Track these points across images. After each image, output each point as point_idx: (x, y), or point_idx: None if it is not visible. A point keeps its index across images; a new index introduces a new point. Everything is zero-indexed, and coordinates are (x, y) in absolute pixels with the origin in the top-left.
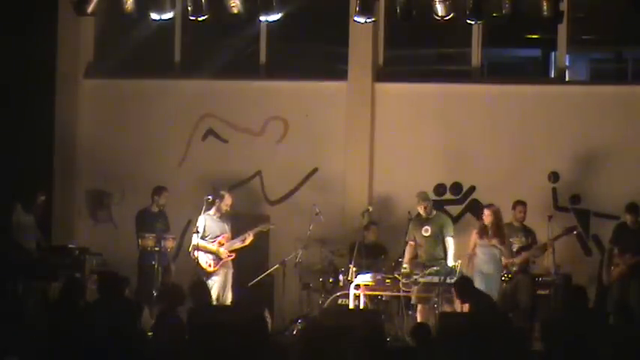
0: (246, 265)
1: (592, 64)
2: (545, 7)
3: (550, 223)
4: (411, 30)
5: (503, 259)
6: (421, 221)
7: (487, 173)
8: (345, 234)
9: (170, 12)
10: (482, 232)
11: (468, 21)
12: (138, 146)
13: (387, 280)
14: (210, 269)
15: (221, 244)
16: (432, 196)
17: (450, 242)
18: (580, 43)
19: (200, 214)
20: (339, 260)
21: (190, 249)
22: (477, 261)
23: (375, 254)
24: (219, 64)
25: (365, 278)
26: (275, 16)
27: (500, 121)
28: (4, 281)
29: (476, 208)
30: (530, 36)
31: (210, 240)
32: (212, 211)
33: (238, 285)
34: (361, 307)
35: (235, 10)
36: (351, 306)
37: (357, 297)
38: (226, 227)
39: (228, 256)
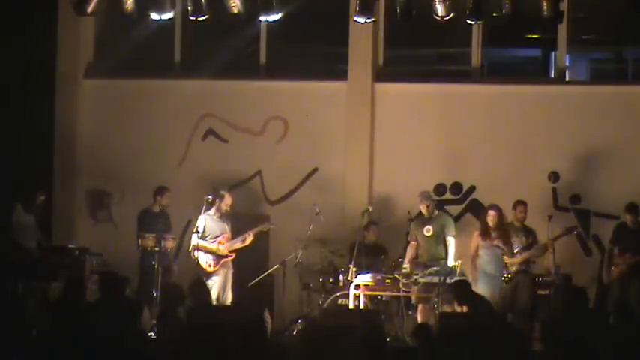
0: (246, 265)
1: (592, 64)
2: (545, 7)
3: (550, 223)
4: (411, 30)
5: (505, 258)
6: (423, 221)
7: (487, 173)
8: (345, 234)
9: (170, 12)
10: (485, 233)
11: (468, 21)
12: (138, 146)
13: (387, 280)
14: (210, 269)
15: (221, 244)
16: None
17: (451, 242)
18: (580, 43)
19: (200, 214)
20: (339, 260)
21: (190, 249)
22: (481, 261)
23: (375, 254)
24: (219, 64)
25: (365, 278)
26: (275, 16)
27: (500, 121)
28: (4, 281)
29: (476, 208)
30: (530, 36)
31: (210, 240)
32: (212, 211)
33: (238, 285)
34: (361, 307)
35: (235, 10)
36: (351, 306)
37: (357, 297)
38: (226, 227)
39: (228, 255)
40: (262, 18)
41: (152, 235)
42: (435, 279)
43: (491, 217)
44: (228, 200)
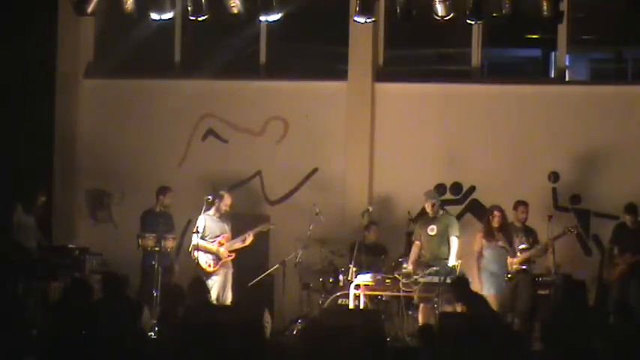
0: (246, 265)
1: (592, 64)
2: (545, 7)
3: (550, 223)
4: (411, 30)
5: (508, 258)
6: (427, 220)
7: (487, 173)
8: (345, 234)
9: (170, 12)
10: (489, 233)
11: (468, 21)
12: (138, 146)
13: (387, 280)
14: (210, 269)
15: (221, 244)
16: None
17: (454, 242)
18: (580, 43)
19: (200, 214)
20: (339, 260)
21: (190, 249)
22: (485, 262)
23: (375, 254)
24: (219, 64)
25: (365, 278)
26: (275, 16)
27: (500, 121)
28: (4, 281)
29: (476, 208)
30: (530, 36)
31: (210, 240)
32: (212, 211)
33: (238, 285)
34: (361, 307)
35: (235, 10)
36: (351, 306)
37: (357, 297)
38: (226, 227)
39: (228, 256)
40: (262, 18)
41: (152, 236)
42: (435, 279)
43: (495, 218)
44: (227, 200)
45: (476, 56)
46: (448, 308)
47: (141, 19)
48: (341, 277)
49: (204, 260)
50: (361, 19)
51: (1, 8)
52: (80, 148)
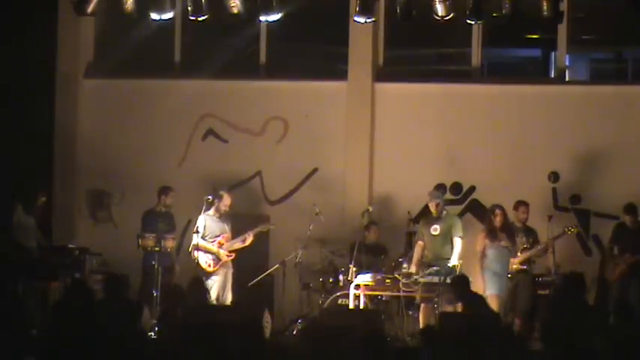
0: (246, 265)
1: (592, 64)
2: (545, 7)
3: (550, 223)
4: (411, 30)
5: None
6: (431, 220)
7: (487, 173)
8: (345, 234)
9: (170, 12)
10: (492, 233)
11: (468, 21)
12: (138, 146)
13: (387, 280)
14: (210, 269)
15: (221, 245)
16: None
17: (458, 242)
18: (580, 43)
19: (200, 214)
20: (339, 260)
21: (190, 249)
22: (487, 261)
23: (375, 254)
24: (219, 64)
25: (365, 278)
26: (275, 16)
27: (500, 121)
28: (5, 281)
29: (476, 208)
30: (530, 36)
31: (210, 240)
32: (212, 211)
33: (238, 285)
34: (361, 307)
35: (235, 10)
36: (351, 306)
37: (357, 297)
38: (226, 227)
39: (228, 256)
40: (262, 18)
41: (152, 235)
42: (435, 279)
43: (497, 217)
44: (227, 201)
45: (476, 56)
46: (449, 308)
47: (141, 19)
48: (341, 277)
49: (204, 260)
50: (361, 19)
51: (1, 8)
52: (80, 148)
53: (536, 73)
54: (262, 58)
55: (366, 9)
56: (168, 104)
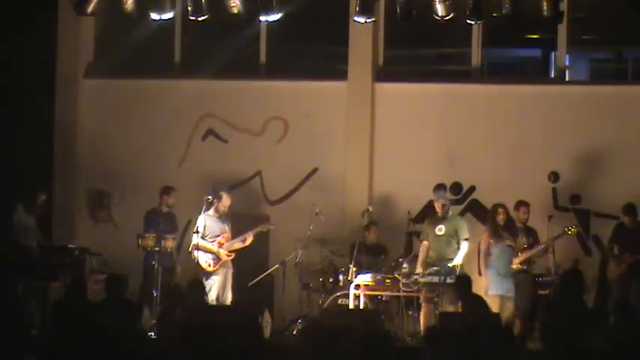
0: (246, 265)
1: (592, 64)
2: (545, 7)
3: (550, 223)
4: (411, 30)
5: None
6: (436, 220)
7: (487, 173)
8: (345, 234)
9: (170, 12)
10: (496, 232)
11: (468, 21)
12: (138, 146)
13: (387, 280)
14: (210, 269)
15: (221, 244)
16: (432, 196)
17: (464, 245)
18: (580, 43)
19: (200, 214)
20: (339, 260)
21: (190, 249)
22: (492, 260)
23: (375, 254)
24: (219, 64)
25: (365, 278)
26: (275, 16)
27: (500, 121)
28: (5, 281)
29: (476, 208)
30: (530, 36)
31: (210, 240)
32: (212, 211)
33: (238, 285)
34: (361, 307)
35: (235, 10)
36: (351, 306)
37: (357, 297)
38: (226, 227)
39: (228, 256)
40: (262, 18)
41: (152, 236)
42: (435, 279)
43: (501, 216)
44: (226, 202)
45: (476, 56)
46: (451, 308)
47: (141, 19)
48: (341, 277)
49: (204, 260)
50: (361, 19)
51: (1, 8)
52: (80, 148)
53: (536, 73)
54: (262, 58)
55: (366, 9)
56: (168, 104)
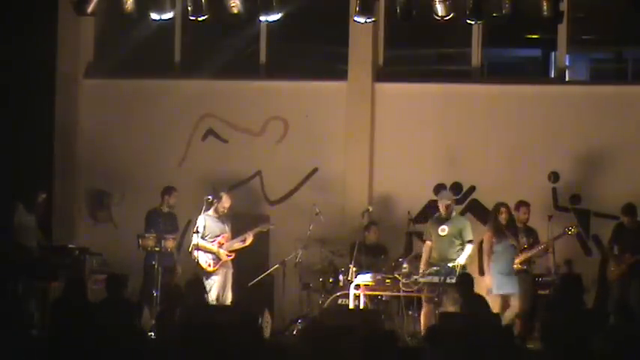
0: (246, 265)
1: (592, 64)
2: (545, 7)
3: (550, 223)
4: (411, 30)
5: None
6: (439, 220)
7: (487, 173)
8: (345, 234)
9: (170, 12)
10: (499, 232)
11: (468, 21)
12: (138, 146)
13: (387, 280)
14: (210, 269)
15: (221, 244)
16: (432, 196)
17: (468, 247)
18: (580, 43)
19: (200, 214)
20: (339, 260)
21: (190, 249)
22: (494, 259)
23: (375, 254)
24: (219, 64)
25: (365, 278)
26: (275, 16)
27: (500, 121)
28: (5, 281)
29: (476, 208)
30: (530, 36)
31: (210, 240)
32: (211, 211)
33: (238, 285)
34: (361, 307)
35: (235, 10)
36: (351, 306)
37: (357, 297)
38: (226, 227)
39: (228, 256)
40: (262, 18)
41: (152, 236)
42: (435, 279)
43: (504, 215)
44: (226, 202)
45: (476, 56)
46: (452, 308)
47: (141, 19)
48: (341, 277)
49: (204, 260)
50: (361, 19)
51: (1, 8)
52: (80, 148)
53: (536, 73)
54: (262, 58)
55: (366, 9)
56: (168, 104)
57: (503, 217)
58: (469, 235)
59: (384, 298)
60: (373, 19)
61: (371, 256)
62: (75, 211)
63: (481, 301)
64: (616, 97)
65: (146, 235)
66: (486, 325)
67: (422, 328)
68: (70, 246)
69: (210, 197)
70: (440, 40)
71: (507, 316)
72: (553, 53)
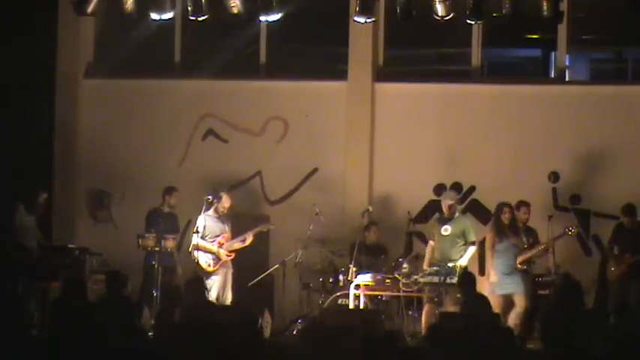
0: (246, 265)
1: (592, 64)
2: (545, 7)
3: (550, 223)
4: (411, 30)
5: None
6: (442, 220)
7: (487, 173)
8: (345, 234)
9: (170, 12)
10: (502, 232)
11: (468, 21)
12: (138, 146)
13: (387, 280)
14: (210, 269)
15: (221, 245)
16: (432, 196)
17: (471, 249)
18: (580, 43)
19: (200, 214)
20: (339, 260)
21: (190, 249)
22: (495, 258)
23: (375, 254)
24: (219, 64)
25: (365, 278)
26: (275, 16)
27: (500, 121)
28: (5, 281)
29: (476, 208)
30: (530, 36)
31: (210, 240)
32: (211, 211)
33: (238, 285)
34: (361, 307)
35: (235, 10)
36: (351, 306)
37: (357, 297)
38: (226, 227)
39: (228, 256)
40: (262, 18)
41: (152, 236)
42: (435, 279)
43: (506, 215)
44: (226, 203)
45: (476, 56)
46: (453, 308)
47: (141, 19)
48: (341, 277)
49: (204, 260)
50: (361, 19)
51: (1, 8)
52: (80, 148)
53: (536, 73)
54: (262, 58)
55: (366, 9)
56: (168, 104)
57: (505, 217)
58: (472, 237)
59: (384, 298)
60: (373, 19)
61: (371, 256)
62: (75, 211)
63: (483, 301)
64: (616, 97)
65: (146, 235)
66: (487, 325)
67: (423, 327)
68: (70, 246)
69: (210, 197)
70: (440, 40)
71: (512, 317)
72: (553, 53)
